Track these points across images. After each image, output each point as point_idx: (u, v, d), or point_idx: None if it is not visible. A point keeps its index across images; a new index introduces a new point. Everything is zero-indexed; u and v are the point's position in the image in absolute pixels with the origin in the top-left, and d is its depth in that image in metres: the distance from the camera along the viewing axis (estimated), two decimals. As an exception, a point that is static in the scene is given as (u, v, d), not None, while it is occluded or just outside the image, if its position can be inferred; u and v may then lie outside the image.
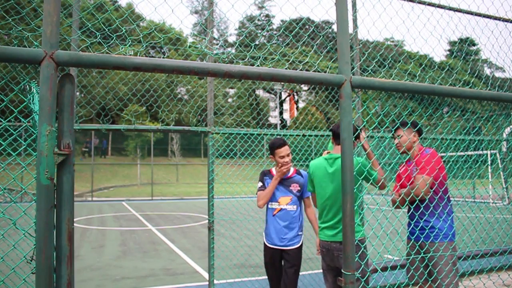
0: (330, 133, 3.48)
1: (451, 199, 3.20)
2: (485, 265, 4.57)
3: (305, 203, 3.58)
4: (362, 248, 2.96)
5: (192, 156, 37.46)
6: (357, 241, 2.90)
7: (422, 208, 2.94)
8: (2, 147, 1.96)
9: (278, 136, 4.21)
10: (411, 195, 2.92)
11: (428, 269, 2.99)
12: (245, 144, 4.98)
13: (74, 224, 1.47)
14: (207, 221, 4.21)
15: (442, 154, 3.41)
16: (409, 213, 3.17)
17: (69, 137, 1.44)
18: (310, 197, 3.47)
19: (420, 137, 3.25)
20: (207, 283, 4.38)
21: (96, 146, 32.94)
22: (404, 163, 3.34)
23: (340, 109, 1.86)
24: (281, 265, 3.49)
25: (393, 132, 3.26)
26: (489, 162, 11.99)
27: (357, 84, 1.89)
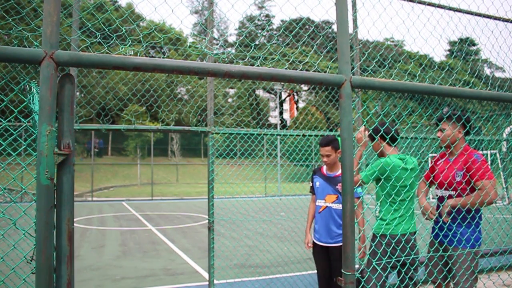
0: (331, 133, 3.46)
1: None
2: (485, 265, 4.57)
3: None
4: (412, 241, 3.04)
5: (192, 156, 37.48)
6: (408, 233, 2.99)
7: (454, 213, 2.90)
8: (2, 147, 1.96)
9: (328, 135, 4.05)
10: (478, 203, 2.80)
11: (448, 267, 2.96)
12: (245, 144, 4.98)
13: (74, 224, 1.47)
14: (207, 221, 4.21)
15: (481, 153, 3.32)
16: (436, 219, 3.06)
17: (69, 137, 1.44)
18: (360, 198, 3.47)
19: (465, 132, 3.06)
20: (207, 283, 4.38)
21: (95, 146, 32.93)
22: (438, 156, 3.24)
23: (340, 109, 1.86)
24: (329, 262, 3.58)
25: (438, 123, 3.06)
26: (489, 162, 11.98)
27: (357, 84, 1.89)
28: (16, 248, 1.66)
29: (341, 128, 1.85)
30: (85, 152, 33.51)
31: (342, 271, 1.80)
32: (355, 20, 4.55)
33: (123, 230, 10.81)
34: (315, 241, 3.65)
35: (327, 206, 3.56)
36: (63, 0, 3.84)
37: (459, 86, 2.38)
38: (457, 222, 2.93)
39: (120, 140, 35.36)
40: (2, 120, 2.47)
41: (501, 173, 10.16)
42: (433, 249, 3.12)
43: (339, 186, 3.51)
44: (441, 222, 3.00)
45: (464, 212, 2.87)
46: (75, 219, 2.34)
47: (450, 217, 2.96)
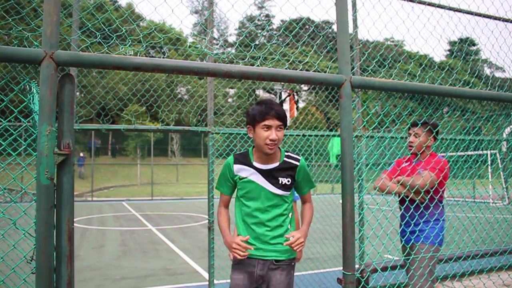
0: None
1: (443, 205, 3.16)
2: (485, 265, 4.57)
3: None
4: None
5: (192, 156, 37.45)
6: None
7: (412, 210, 2.91)
8: (2, 147, 1.96)
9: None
10: (414, 187, 2.84)
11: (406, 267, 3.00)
12: (245, 144, 4.98)
13: (74, 224, 1.47)
14: (207, 221, 4.21)
15: (442, 154, 3.37)
16: (401, 215, 3.13)
17: (69, 137, 1.44)
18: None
19: (435, 142, 3.20)
20: (207, 283, 4.38)
21: (95, 146, 32.89)
22: (409, 157, 3.27)
23: (340, 109, 1.87)
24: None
25: (409, 126, 3.15)
26: (489, 162, 11.99)
27: (357, 84, 1.89)
28: (16, 248, 1.66)
29: (341, 128, 1.85)
30: (86, 151, 33.47)
31: (342, 271, 1.81)
32: (355, 20, 4.55)
33: (123, 230, 10.81)
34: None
35: None
36: (63, 0, 3.84)
37: (459, 86, 2.38)
38: (419, 219, 2.95)
39: (120, 140, 35.35)
40: (2, 120, 2.47)
41: (501, 173, 10.16)
42: (404, 254, 3.13)
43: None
44: (407, 218, 3.01)
45: (422, 208, 2.86)
46: (75, 219, 2.34)
47: (403, 209, 3.01)
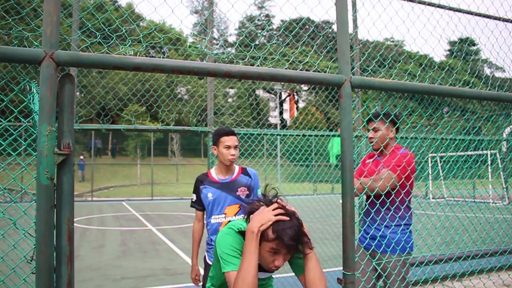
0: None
1: (411, 207, 2.92)
2: (485, 265, 4.57)
3: None
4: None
5: (192, 156, 37.44)
6: None
7: (373, 214, 2.73)
8: (2, 147, 1.96)
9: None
10: (373, 189, 2.60)
11: (382, 279, 2.78)
12: (245, 144, 4.98)
13: (74, 224, 1.47)
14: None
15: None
16: (360, 219, 2.96)
17: (69, 137, 1.44)
18: None
19: (396, 130, 2.95)
20: (207, 283, 4.38)
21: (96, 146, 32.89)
22: (372, 153, 3.08)
23: (340, 109, 1.87)
24: None
25: (365, 122, 2.90)
26: (489, 162, 11.99)
27: (357, 84, 1.89)
28: (16, 248, 1.66)
29: (341, 128, 1.85)
30: (86, 151, 33.46)
31: (342, 271, 1.81)
32: (355, 20, 4.55)
33: (123, 230, 10.81)
34: (210, 262, 2.92)
35: (230, 221, 2.67)
36: (63, 0, 3.85)
37: (459, 86, 2.38)
38: (382, 223, 2.73)
39: (120, 140, 35.35)
40: (2, 120, 2.47)
41: (501, 173, 10.15)
42: (364, 262, 2.84)
43: (240, 192, 2.83)
44: (368, 223, 2.84)
45: (392, 211, 2.65)
46: (75, 219, 2.34)
47: (362, 213, 2.81)
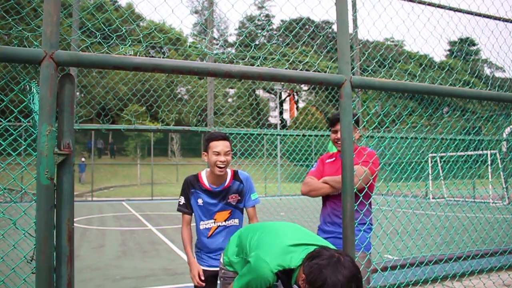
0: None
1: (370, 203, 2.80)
2: (485, 265, 4.57)
3: (249, 214, 2.82)
4: None
5: (192, 156, 37.44)
6: None
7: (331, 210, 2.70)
8: (2, 147, 1.96)
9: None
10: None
11: None
12: (245, 144, 4.98)
13: (74, 224, 1.47)
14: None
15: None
16: (323, 217, 2.89)
17: (69, 137, 1.44)
18: (255, 207, 2.84)
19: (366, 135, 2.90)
20: (207, 283, 4.38)
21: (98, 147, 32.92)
22: (334, 153, 2.97)
23: (340, 109, 1.87)
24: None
25: (329, 127, 2.77)
26: (489, 162, 11.99)
27: (357, 84, 1.89)
28: (16, 248, 1.66)
29: (341, 128, 1.85)
30: (86, 151, 33.50)
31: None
32: (355, 20, 4.55)
33: (123, 230, 10.81)
34: (205, 268, 2.87)
35: (219, 226, 2.81)
36: (63, 0, 3.85)
37: (459, 86, 2.38)
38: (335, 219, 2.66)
39: (120, 140, 35.37)
40: (2, 120, 2.47)
41: (501, 173, 10.16)
42: None
43: (231, 199, 2.79)
44: (327, 223, 2.79)
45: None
46: (75, 219, 2.34)
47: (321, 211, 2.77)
